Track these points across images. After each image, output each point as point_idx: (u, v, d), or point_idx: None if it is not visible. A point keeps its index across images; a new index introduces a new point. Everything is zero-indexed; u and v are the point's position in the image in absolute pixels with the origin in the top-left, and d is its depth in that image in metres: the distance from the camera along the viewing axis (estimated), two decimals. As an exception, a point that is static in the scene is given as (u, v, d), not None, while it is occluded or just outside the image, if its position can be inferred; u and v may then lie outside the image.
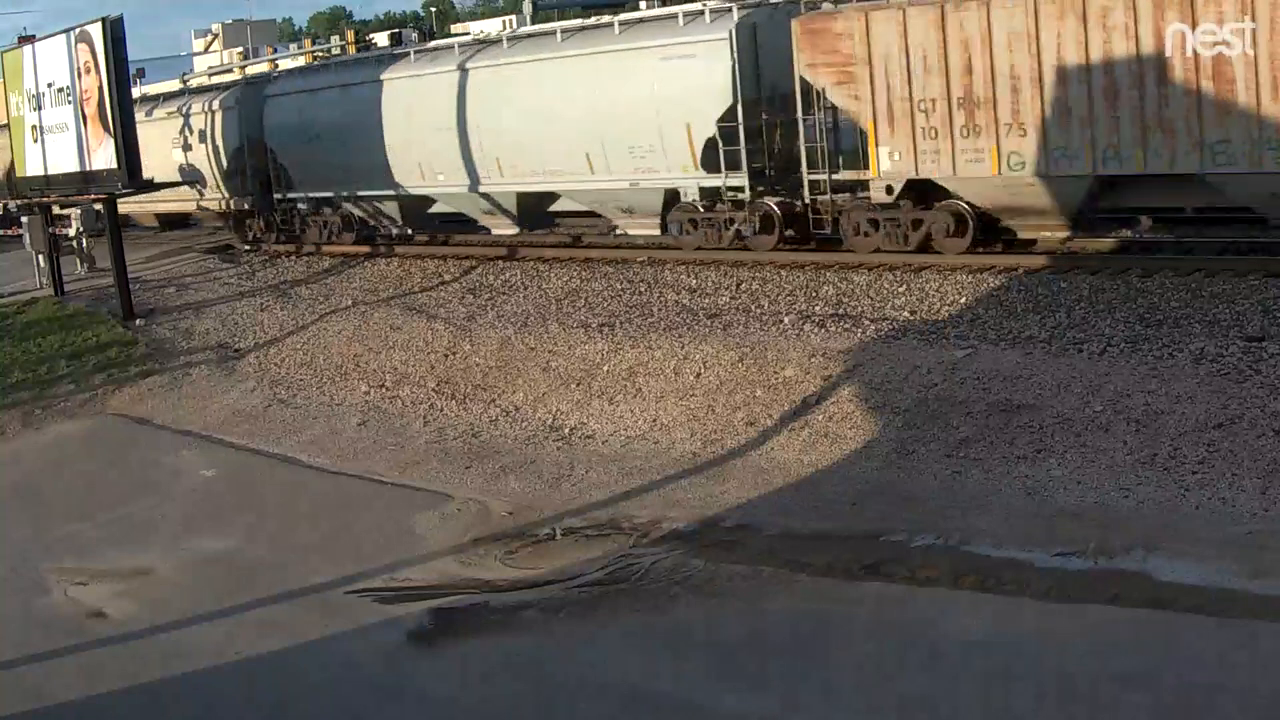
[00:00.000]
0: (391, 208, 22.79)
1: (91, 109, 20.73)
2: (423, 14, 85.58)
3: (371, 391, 16.45)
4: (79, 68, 20.86)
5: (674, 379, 14.39)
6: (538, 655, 9.36)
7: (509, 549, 11.39)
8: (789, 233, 17.56)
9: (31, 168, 23.10)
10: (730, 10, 17.43)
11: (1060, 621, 8.81)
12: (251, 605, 10.75)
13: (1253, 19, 13.23)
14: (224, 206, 25.74)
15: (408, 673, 9.37)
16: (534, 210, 20.90)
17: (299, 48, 50.70)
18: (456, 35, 27.55)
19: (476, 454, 13.93)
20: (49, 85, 22.00)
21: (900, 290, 15.60)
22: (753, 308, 16.08)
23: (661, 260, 18.65)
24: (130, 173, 20.58)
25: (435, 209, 22.49)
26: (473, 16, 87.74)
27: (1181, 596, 8.90)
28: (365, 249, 23.40)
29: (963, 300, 14.91)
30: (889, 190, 16.15)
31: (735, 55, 17.07)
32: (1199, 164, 14.01)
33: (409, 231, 23.16)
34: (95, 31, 20.24)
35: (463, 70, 20.31)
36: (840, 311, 15.32)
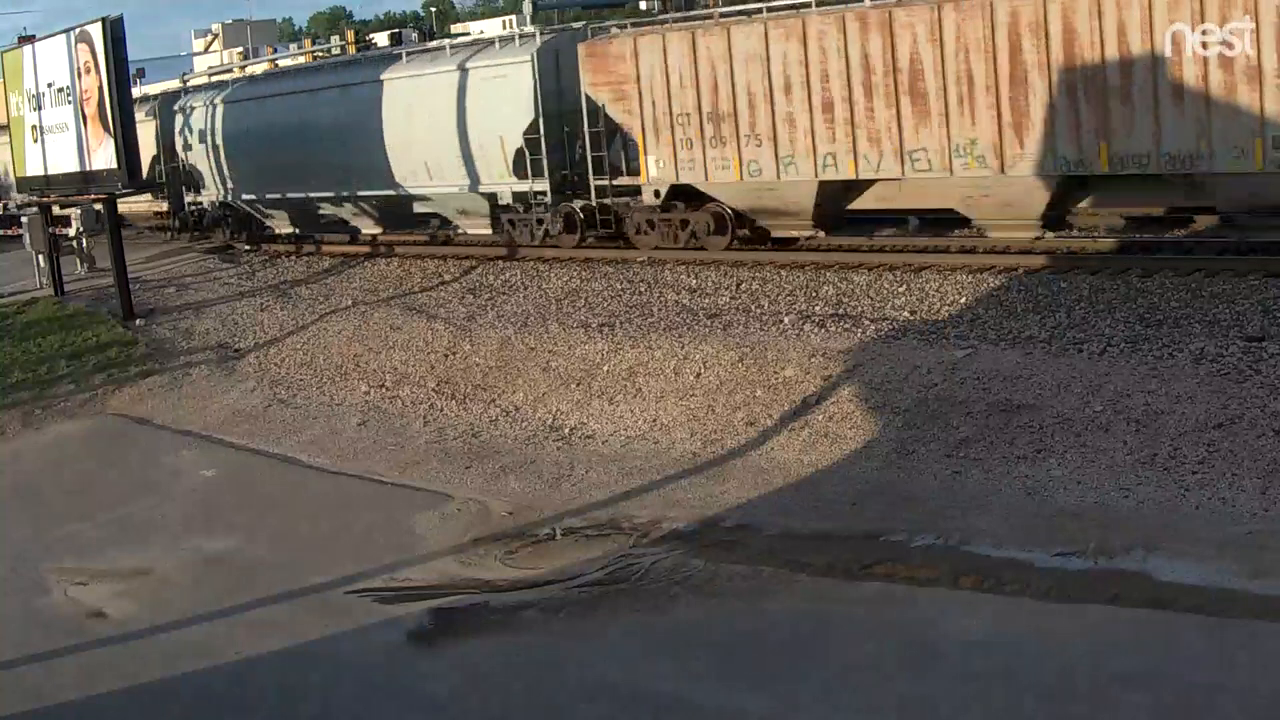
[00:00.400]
0: (281, 212, 25.05)
1: (91, 109, 20.73)
2: (423, 14, 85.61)
3: (371, 391, 16.45)
4: (79, 68, 20.86)
5: (674, 379, 14.39)
6: (537, 655, 9.36)
7: (509, 549, 11.39)
8: (593, 232, 19.66)
9: (31, 168, 23.11)
10: (534, 36, 20.20)
11: (1060, 621, 8.81)
12: (251, 605, 10.74)
13: (940, 43, 15.39)
14: (147, 208, 28.15)
15: (408, 673, 9.37)
16: (395, 213, 23.01)
17: (299, 48, 50.73)
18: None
19: (476, 454, 13.93)
20: (49, 85, 22.01)
21: (900, 290, 15.61)
22: (753, 308, 16.08)
23: (661, 260, 18.67)
24: (130, 173, 20.59)
25: (321, 212, 24.66)
26: (473, 16, 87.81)
27: (1181, 596, 8.90)
28: (365, 249, 23.44)
29: (963, 300, 14.92)
30: (657, 194, 18.27)
31: (537, 75, 19.31)
32: (901, 170, 15.99)
33: (298, 231, 25.33)
34: (95, 31, 20.25)
35: (342, 88, 22.89)
36: (840, 311, 15.32)
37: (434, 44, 23.47)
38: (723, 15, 18.32)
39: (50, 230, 22.56)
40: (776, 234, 18.06)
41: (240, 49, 52.57)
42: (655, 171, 18.17)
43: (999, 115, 15.15)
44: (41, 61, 22.24)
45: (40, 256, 22.94)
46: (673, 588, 10.09)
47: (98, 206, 21.96)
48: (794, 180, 16.88)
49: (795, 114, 16.59)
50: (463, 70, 20.21)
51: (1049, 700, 7.80)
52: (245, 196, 25.07)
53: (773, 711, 8.10)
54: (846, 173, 16.44)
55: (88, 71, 20.63)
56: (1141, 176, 14.70)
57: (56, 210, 23.36)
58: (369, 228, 23.85)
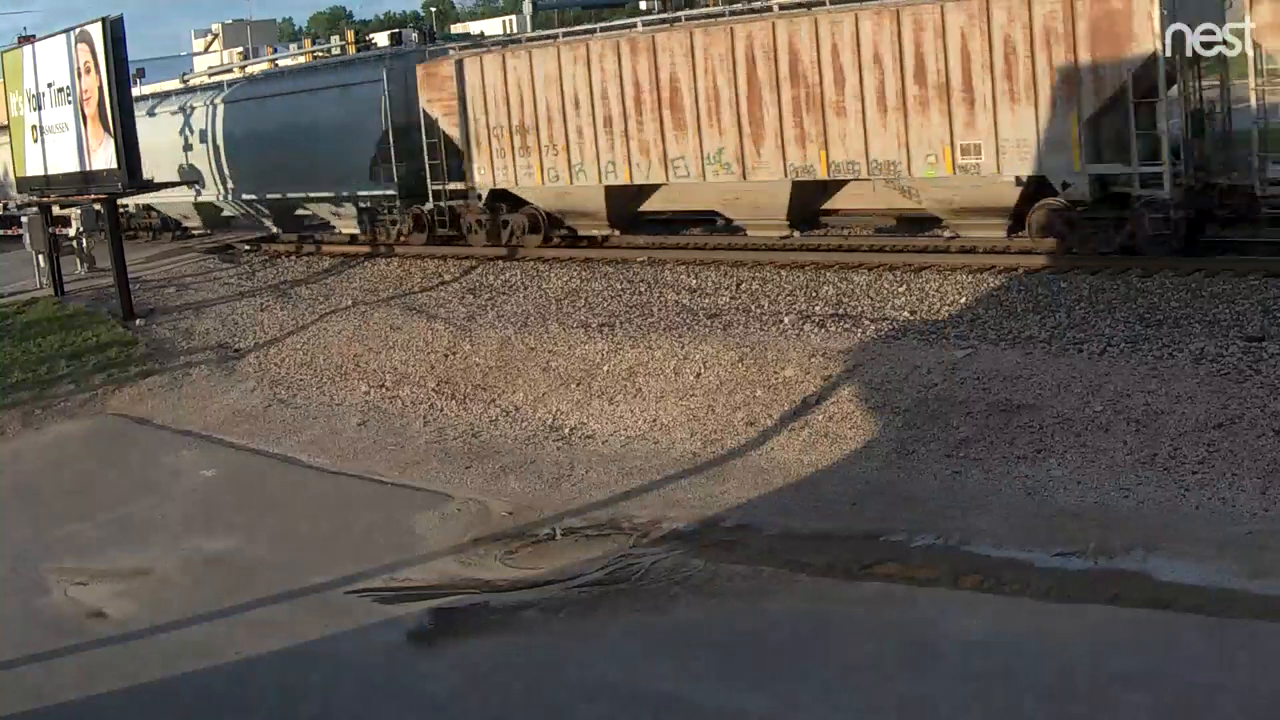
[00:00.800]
0: (191, 210, 26.93)
1: (91, 109, 20.73)
2: (423, 14, 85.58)
3: (371, 391, 16.45)
4: (79, 68, 20.86)
5: (674, 379, 14.39)
6: (538, 655, 9.36)
7: (509, 549, 11.39)
8: (443, 231, 21.65)
9: (31, 168, 23.10)
10: (385, 56, 22.85)
11: (1060, 621, 8.81)
12: (251, 605, 10.74)
13: (693, 64, 17.51)
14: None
15: (408, 673, 9.37)
16: (286, 214, 25.36)
17: (299, 48, 50.68)
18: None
19: (476, 454, 13.93)
20: (49, 85, 22.01)
21: (900, 290, 15.61)
22: (753, 308, 16.08)
23: (661, 260, 18.68)
24: (130, 173, 20.59)
25: (224, 213, 26.74)
26: (473, 16, 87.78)
27: (1181, 596, 8.90)
28: (365, 249, 23.44)
29: (963, 300, 14.92)
30: (479, 198, 20.65)
31: (387, 91, 21.48)
32: (666, 176, 18.24)
33: (210, 231, 27.71)
34: (95, 31, 20.25)
35: (227, 104, 24.99)
36: (840, 311, 15.32)
37: (305, 63, 27.21)
38: (555, 37, 20.64)
39: (50, 230, 22.55)
40: (582, 232, 20.36)
41: (240, 49, 52.51)
42: (478, 178, 20.53)
43: (740, 127, 17.26)
44: (41, 61, 22.24)
45: (40, 256, 22.92)
46: (673, 588, 10.09)
47: (97, 206, 21.96)
48: (584, 185, 19.20)
49: (583, 127, 18.89)
50: (341, 87, 22.55)
51: (1049, 700, 7.80)
52: (156, 201, 27.12)
53: (773, 711, 8.10)
54: (624, 178, 18.73)
55: (88, 71, 20.64)
56: (866, 180, 16.64)
57: (56, 210, 23.35)
58: (273, 227, 26.05)
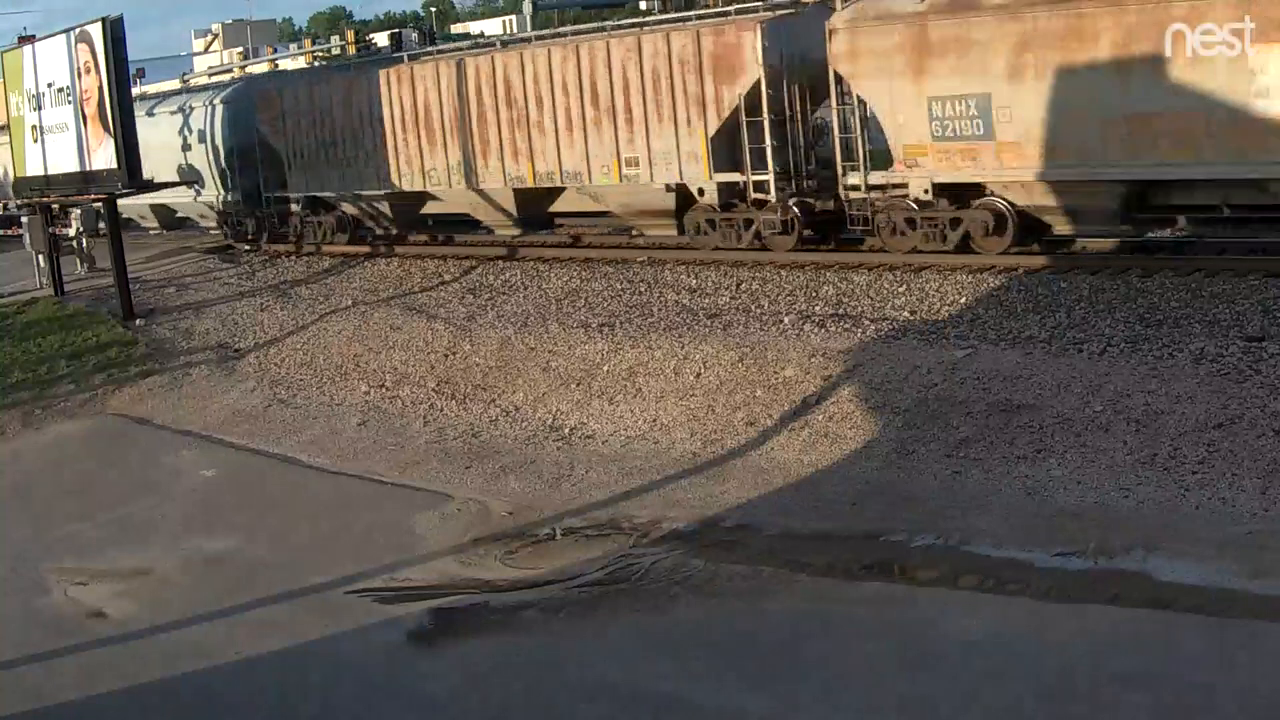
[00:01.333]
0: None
1: (91, 109, 20.73)
2: (423, 14, 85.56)
3: (371, 391, 16.45)
4: (79, 68, 20.86)
5: (674, 379, 14.39)
6: (538, 655, 9.36)
7: (509, 549, 11.39)
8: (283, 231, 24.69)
9: (31, 168, 23.10)
10: (223, 85, 27.21)
11: (1060, 621, 8.80)
12: (251, 605, 10.74)
13: (440, 89, 20.83)
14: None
15: (408, 673, 9.37)
16: (168, 219, 28.19)
17: (299, 48, 50.69)
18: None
19: (476, 454, 13.93)
20: (49, 85, 22.00)
21: (900, 290, 15.60)
22: (753, 308, 16.08)
23: (661, 260, 18.68)
24: (130, 173, 20.58)
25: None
26: (473, 16, 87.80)
27: (1181, 596, 8.90)
28: (365, 249, 23.46)
29: (963, 300, 14.91)
30: (299, 203, 24.03)
31: (230, 112, 24.71)
32: (424, 184, 21.49)
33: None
34: (95, 31, 20.24)
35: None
36: (840, 311, 15.32)
37: (172, 87, 30.62)
38: (349, 67, 25.45)
39: (50, 230, 22.55)
40: (379, 233, 23.66)
41: (240, 49, 52.51)
42: (294, 187, 24.03)
43: (471, 144, 20.44)
44: (41, 61, 22.24)
45: (40, 256, 22.93)
46: (673, 588, 10.09)
47: (97, 206, 21.96)
48: (374, 193, 22.50)
49: (368, 143, 22.10)
50: (207, 105, 25.35)
51: (1049, 700, 7.80)
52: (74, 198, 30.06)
53: (772, 711, 8.10)
54: (399, 186, 21.86)
55: (88, 71, 20.63)
56: (581, 190, 19.49)
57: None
58: (154, 228, 28.95)
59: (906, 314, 14.85)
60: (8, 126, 24.31)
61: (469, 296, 19.14)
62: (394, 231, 23.25)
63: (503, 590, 10.53)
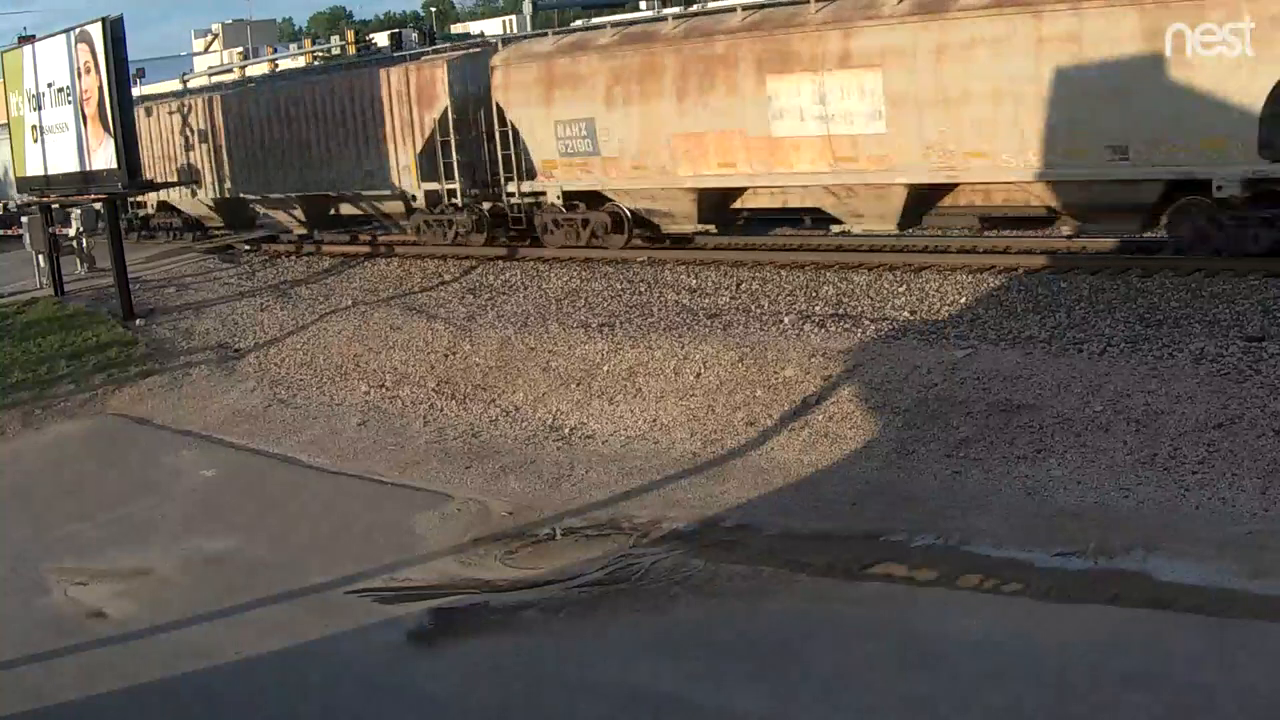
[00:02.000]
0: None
1: (91, 109, 20.72)
2: (423, 14, 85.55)
3: (371, 391, 16.45)
4: (79, 68, 20.85)
5: (674, 379, 14.39)
6: (538, 655, 9.36)
7: (509, 549, 11.39)
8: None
9: (31, 168, 23.09)
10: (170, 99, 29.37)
11: (1060, 621, 8.80)
12: (251, 605, 10.74)
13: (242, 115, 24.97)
14: None
15: (408, 673, 9.37)
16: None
17: (299, 48, 50.70)
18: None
19: (476, 454, 13.93)
20: (49, 85, 21.99)
21: (900, 290, 15.61)
22: (753, 308, 16.08)
23: (661, 260, 18.69)
24: (130, 172, 20.58)
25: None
26: (473, 16, 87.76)
27: (1181, 596, 8.89)
28: (365, 249, 23.47)
29: (963, 300, 14.92)
30: (153, 207, 28.16)
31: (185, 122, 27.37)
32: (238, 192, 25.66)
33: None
34: (95, 31, 20.23)
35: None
36: (840, 311, 15.32)
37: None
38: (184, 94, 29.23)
39: (50, 230, 22.55)
40: (215, 232, 27.44)
41: (240, 49, 52.53)
42: (171, 193, 27.12)
43: (266, 161, 24.52)
44: (41, 61, 22.23)
45: (40, 256, 22.92)
46: (673, 588, 10.09)
47: (98, 206, 21.95)
48: (211, 198, 26.24)
49: (202, 158, 25.85)
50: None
51: (1049, 700, 7.80)
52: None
53: (772, 711, 8.10)
54: (256, 192, 25.28)
55: (88, 71, 20.62)
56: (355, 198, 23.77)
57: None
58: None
59: (906, 314, 14.85)
60: (8, 126, 24.30)
61: (469, 296, 19.14)
62: (226, 231, 27.37)
63: (503, 590, 10.53)
